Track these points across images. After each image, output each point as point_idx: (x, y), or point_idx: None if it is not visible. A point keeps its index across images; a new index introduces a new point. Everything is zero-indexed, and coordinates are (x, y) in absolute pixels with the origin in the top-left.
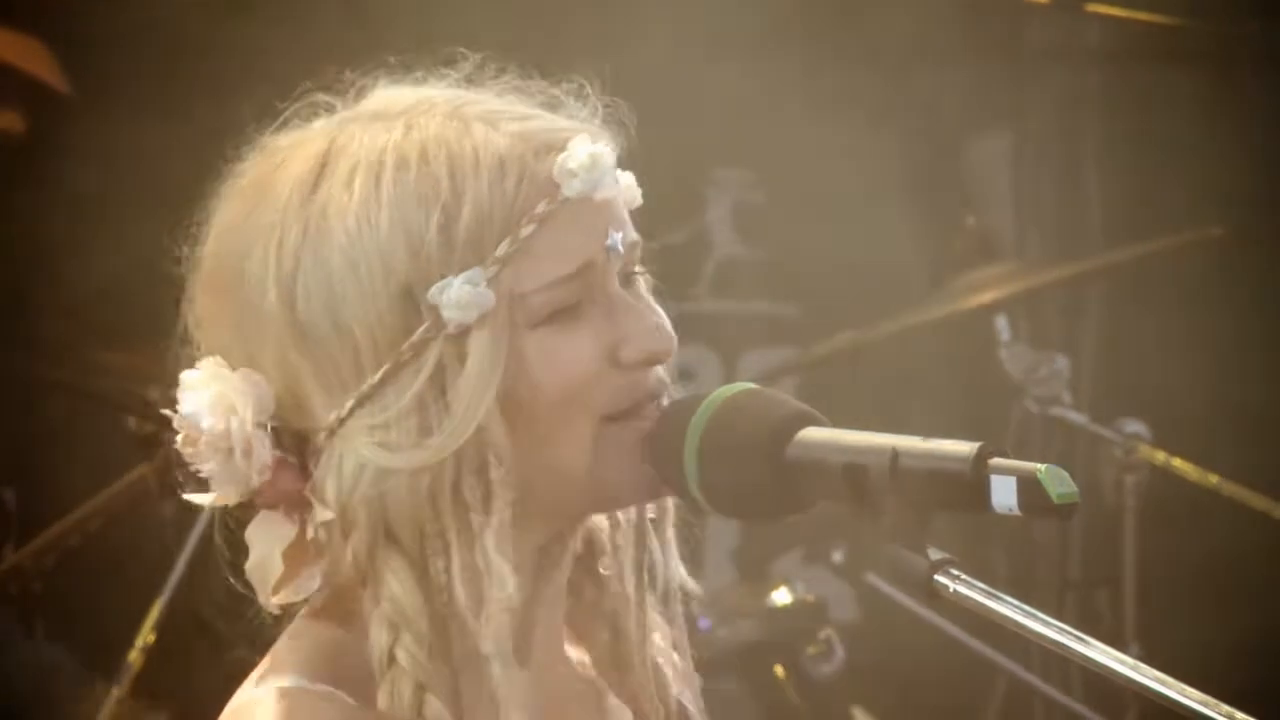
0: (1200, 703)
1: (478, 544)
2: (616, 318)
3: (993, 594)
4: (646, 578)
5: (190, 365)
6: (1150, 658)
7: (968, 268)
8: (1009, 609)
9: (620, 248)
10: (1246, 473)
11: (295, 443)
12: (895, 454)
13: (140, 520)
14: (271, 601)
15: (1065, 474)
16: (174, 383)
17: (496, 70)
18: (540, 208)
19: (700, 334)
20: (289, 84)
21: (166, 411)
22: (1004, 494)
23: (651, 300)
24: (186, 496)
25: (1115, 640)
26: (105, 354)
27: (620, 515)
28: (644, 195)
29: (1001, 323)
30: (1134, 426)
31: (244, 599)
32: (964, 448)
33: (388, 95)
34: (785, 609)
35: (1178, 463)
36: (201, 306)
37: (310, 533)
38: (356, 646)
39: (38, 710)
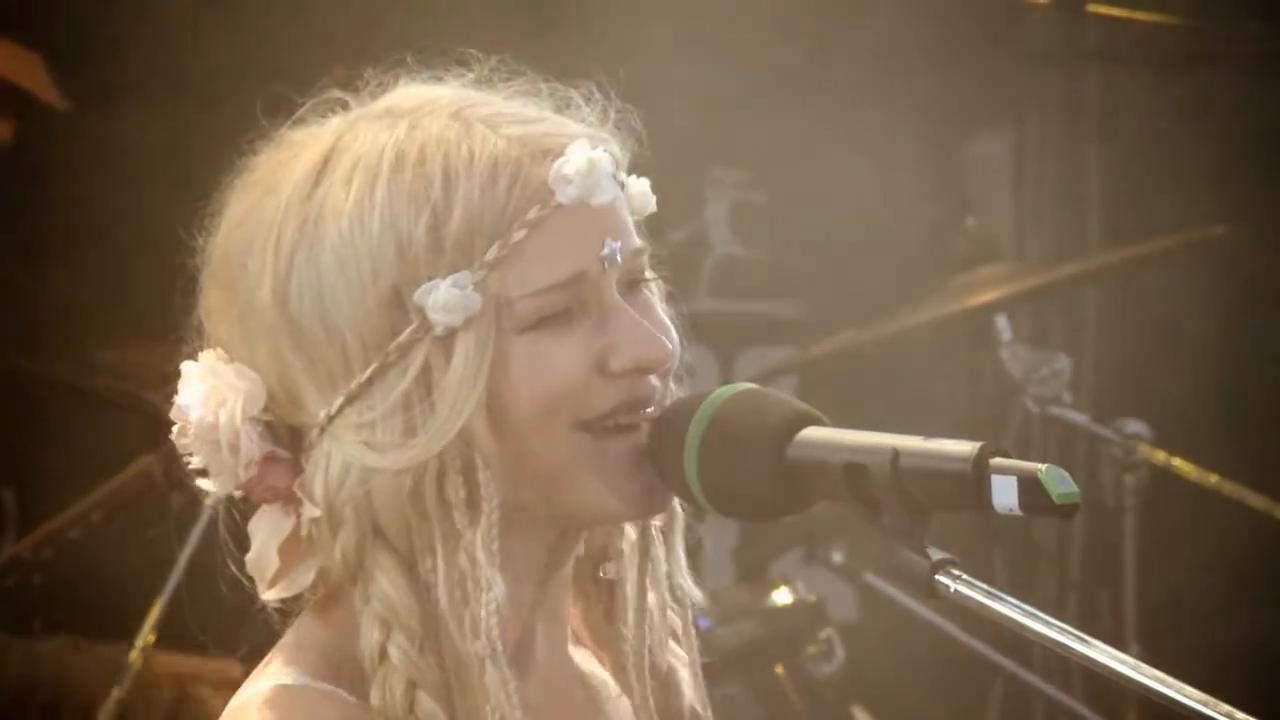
0: (1200, 702)
1: (461, 545)
2: (609, 326)
3: (993, 594)
4: (649, 583)
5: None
6: (1150, 657)
7: (968, 267)
8: (1009, 609)
9: (618, 257)
10: (1246, 473)
11: (290, 437)
12: (896, 454)
13: (144, 513)
14: (268, 595)
15: (1066, 474)
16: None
17: (511, 73)
18: (533, 213)
19: (698, 333)
20: (294, 87)
21: (167, 401)
22: (1005, 494)
23: (659, 309)
24: (194, 482)
25: (1115, 640)
26: (105, 353)
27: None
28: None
29: (1002, 322)
30: (1134, 426)
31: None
32: (965, 447)
33: (400, 94)
34: (786, 609)
35: (1178, 462)
36: (209, 298)
37: (304, 528)
38: (356, 643)
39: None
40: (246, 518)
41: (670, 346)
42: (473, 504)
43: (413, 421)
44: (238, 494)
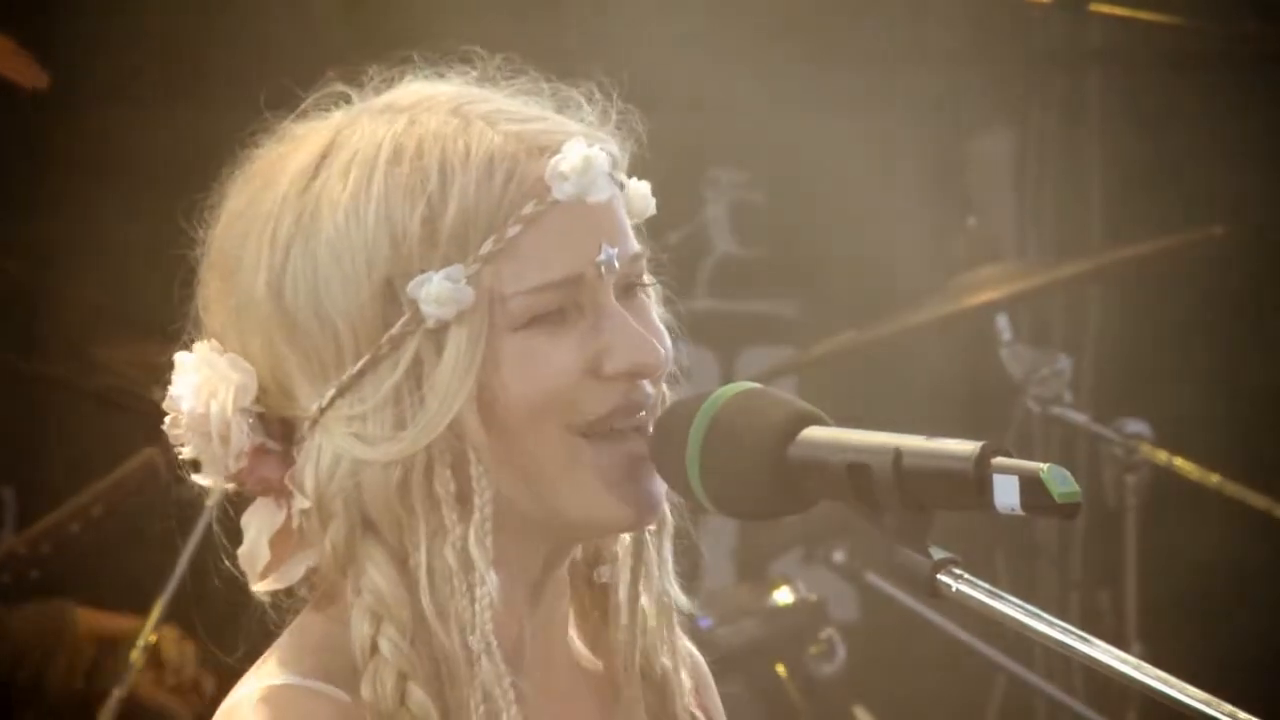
0: (1202, 702)
1: (449, 540)
2: (603, 329)
3: (995, 593)
4: (641, 587)
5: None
6: (1152, 657)
7: (969, 267)
8: (1011, 608)
9: (615, 262)
10: (1247, 473)
11: (282, 429)
12: (898, 453)
13: (145, 507)
14: (258, 588)
15: (1067, 473)
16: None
17: (513, 71)
18: (528, 208)
19: (697, 333)
20: (297, 82)
21: (161, 394)
22: (1006, 493)
23: (654, 314)
24: (184, 473)
25: (1117, 640)
26: (105, 351)
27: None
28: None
29: (1003, 322)
30: (1135, 426)
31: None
32: (966, 447)
33: (402, 90)
34: (787, 608)
35: (1179, 462)
36: (207, 289)
37: (294, 521)
38: (349, 639)
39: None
40: (239, 512)
41: (664, 352)
42: (462, 499)
43: (403, 414)
44: (229, 487)
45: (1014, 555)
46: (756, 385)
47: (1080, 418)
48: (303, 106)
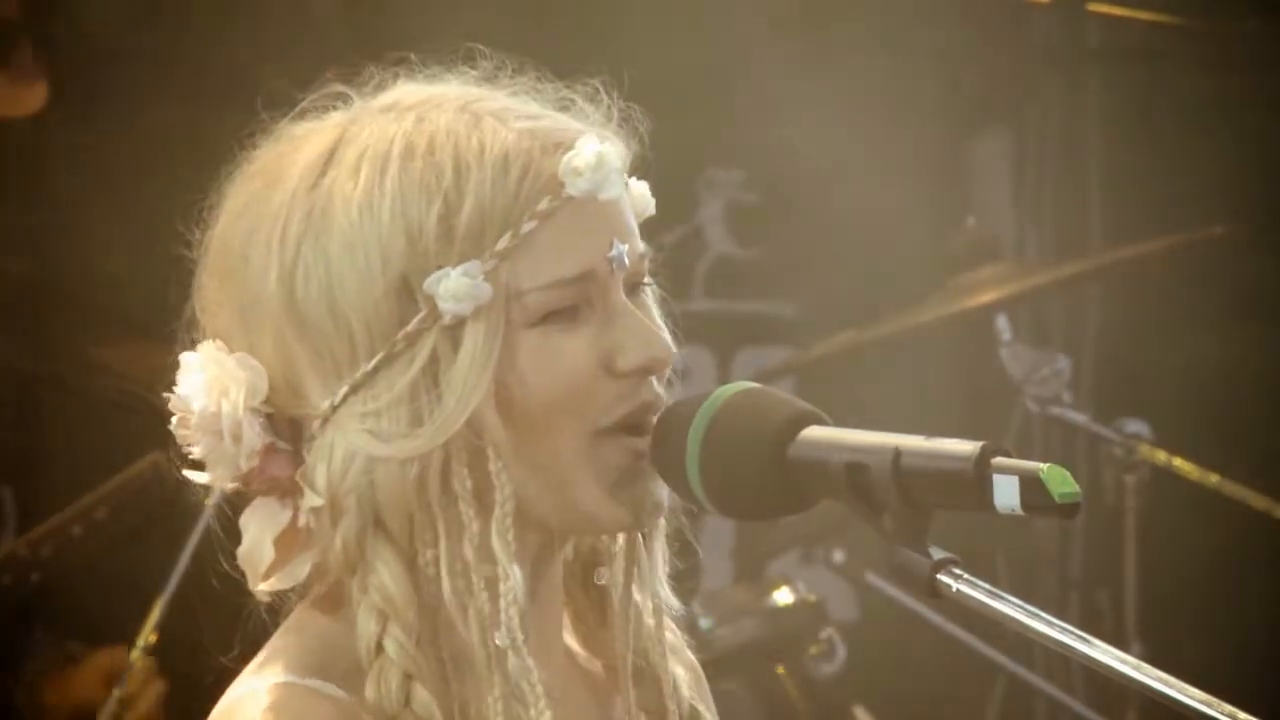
0: (1202, 703)
1: (466, 536)
2: (615, 326)
3: (995, 593)
4: (636, 588)
5: (194, 348)
6: (1152, 657)
7: (968, 267)
8: (1011, 608)
9: (625, 259)
10: (1247, 473)
11: (290, 429)
12: (897, 453)
13: (149, 510)
14: (260, 588)
15: (1067, 473)
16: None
17: (513, 71)
18: (543, 204)
19: (694, 333)
20: (294, 83)
21: (165, 394)
22: (1006, 493)
23: (656, 313)
24: (184, 474)
25: (1117, 640)
26: (105, 351)
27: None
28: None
29: (1002, 322)
30: (1135, 426)
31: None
32: (966, 447)
33: (403, 90)
34: (787, 609)
35: (1178, 462)
36: (207, 290)
37: (302, 520)
38: (352, 638)
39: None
40: (239, 514)
41: (673, 348)
42: (480, 495)
43: (419, 411)
44: (231, 487)
45: (1014, 555)
46: (756, 385)
47: (1080, 418)
48: (301, 106)
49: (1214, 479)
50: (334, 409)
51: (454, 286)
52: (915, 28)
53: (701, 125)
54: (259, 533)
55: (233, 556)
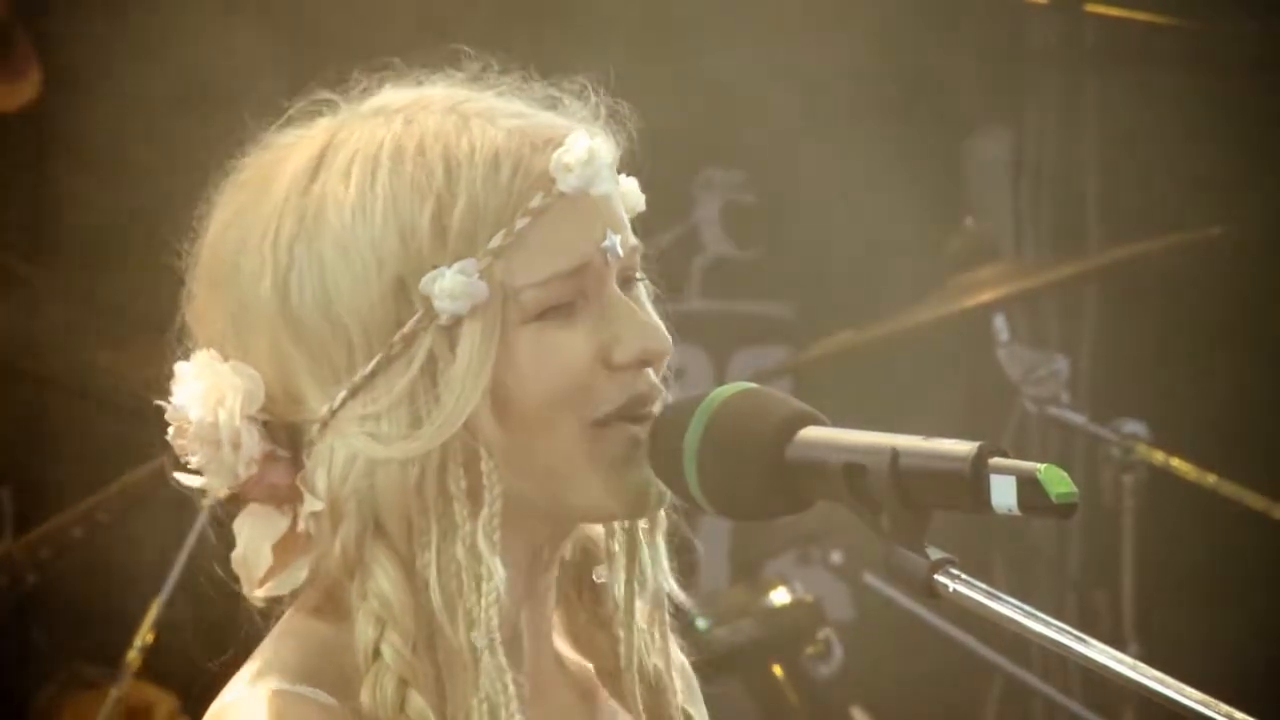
0: (1199, 703)
1: (459, 536)
2: (611, 318)
3: (992, 594)
4: (636, 586)
5: (187, 359)
6: (1149, 657)
7: (966, 268)
8: (1008, 609)
9: (619, 250)
10: (1245, 472)
11: (288, 436)
12: (895, 454)
13: (150, 513)
14: (256, 594)
15: (1064, 473)
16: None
17: (499, 72)
18: (535, 201)
19: (691, 334)
20: (289, 83)
21: (160, 403)
22: (1003, 493)
23: (650, 306)
24: (179, 480)
25: (1114, 640)
26: (104, 353)
27: (615, 523)
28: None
29: (1000, 323)
30: (1132, 426)
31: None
32: (964, 447)
33: (389, 94)
34: (783, 609)
35: (1176, 462)
36: (199, 299)
37: (300, 525)
38: (344, 643)
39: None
40: (233, 518)
41: (670, 339)
42: (473, 495)
43: (418, 412)
44: (225, 493)
45: (1011, 555)
46: (754, 385)
47: (1077, 418)
48: (287, 115)
49: (1212, 479)
50: (332, 413)
51: (449, 285)
52: (914, 28)
53: (698, 125)
54: (254, 538)
55: (227, 561)
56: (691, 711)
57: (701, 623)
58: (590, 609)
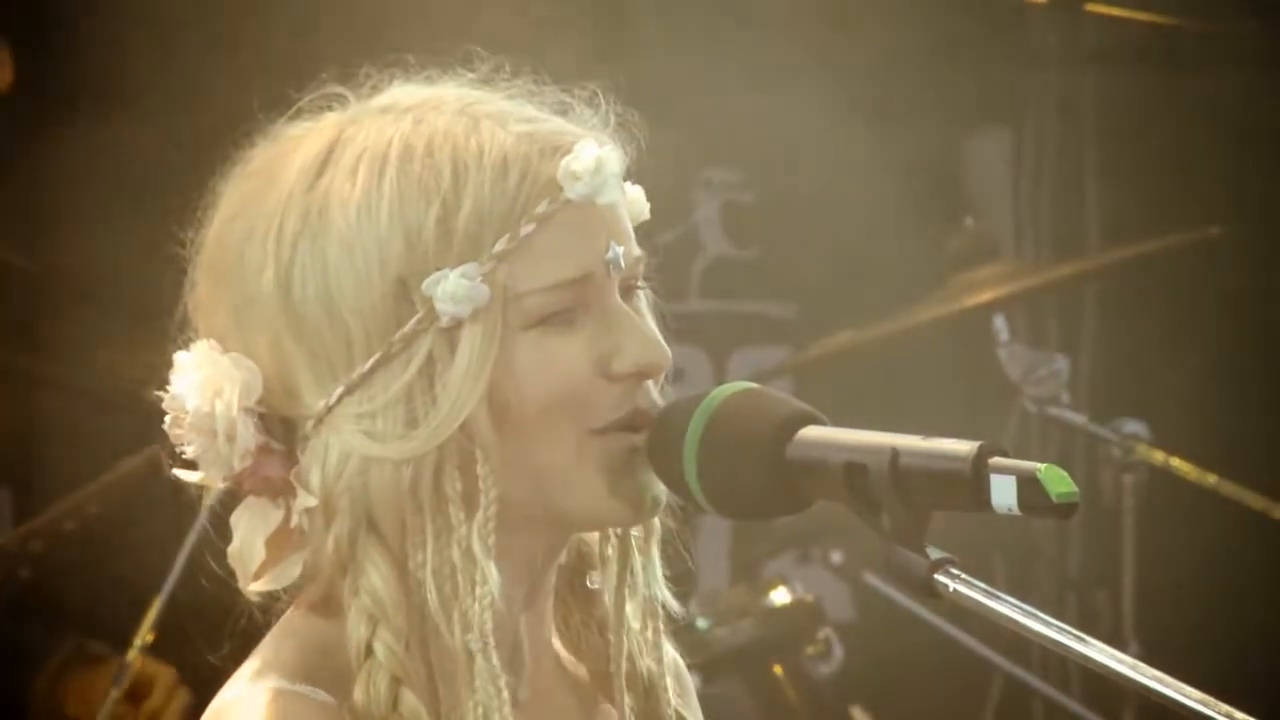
0: (1199, 702)
1: (454, 538)
2: (612, 328)
3: (992, 593)
4: (628, 592)
5: (187, 348)
6: (1149, 657)
7: (966, 267)
8: (1008, 608)
9: (622, 262)
10: (1245, 472)
11: (284, 429)
12: (895, 453)
13: (144, 506)
14: (251, 588)
15: (1065, 473)
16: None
17: (510, 74)
18: (541, 207)
19: (690, 334)
20: (291, 83)
21: (158, 393)
22: (1004, 493)
23: (650, 316)
24: (174, 472)
25: (1114, 639)
26: (104, 352)
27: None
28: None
29: (1000, 323)
30: (1132, 426)
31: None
32: (964, 447)
33: (400, 91)
34: (784, 609)
35: (1176, 462)
36: (201, 290)
37: (294, 520)
38: (342, 642)
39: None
40: (231, 513)
41: (669, 352)
42: (469, 498)
43: (414, 413)
44: (223, 485)
45: (1011, 555)
46: (754, 385)
47: (1078, 418)
48: (296, 107)
49: (1212, 479)
50: (329, 409)
51: (452, 288)
52: (914, 28)
53: (697, 126)
54: (250, 532)
55: (224, 556)
56: (685, 714)
57: (701, 623)
58: (584, 611)
